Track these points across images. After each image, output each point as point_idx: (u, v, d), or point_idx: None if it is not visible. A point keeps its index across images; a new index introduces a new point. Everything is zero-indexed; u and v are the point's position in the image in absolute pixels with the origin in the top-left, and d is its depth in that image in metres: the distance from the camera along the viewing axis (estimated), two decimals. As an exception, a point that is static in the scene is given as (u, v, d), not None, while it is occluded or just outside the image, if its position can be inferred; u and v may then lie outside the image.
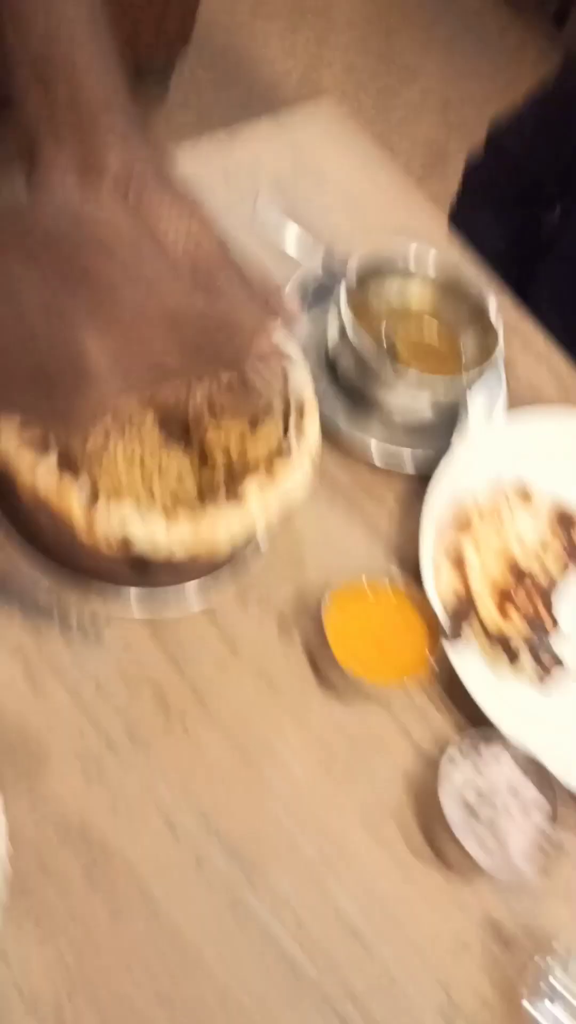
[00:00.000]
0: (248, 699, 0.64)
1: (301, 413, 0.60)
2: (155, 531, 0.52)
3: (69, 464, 0.53)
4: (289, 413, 0.60)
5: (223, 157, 0.90)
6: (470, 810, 0.62)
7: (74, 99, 0.57)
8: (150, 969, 0.55)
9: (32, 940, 0.54)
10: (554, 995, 0.59)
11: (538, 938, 0.62)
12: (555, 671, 0.71)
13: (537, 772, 0.63)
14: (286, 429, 0.59)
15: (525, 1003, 0.59)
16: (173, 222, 0.58)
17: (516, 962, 0.60)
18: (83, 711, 0.61)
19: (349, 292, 0.74)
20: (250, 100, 2.25)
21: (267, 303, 0.53)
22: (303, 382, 0.62)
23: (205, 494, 0.56)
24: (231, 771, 0.62)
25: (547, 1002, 0.59)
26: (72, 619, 0.62)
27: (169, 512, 0.53)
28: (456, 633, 0.68)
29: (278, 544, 0.69)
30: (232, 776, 0.62)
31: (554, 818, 0.62)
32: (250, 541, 0.63)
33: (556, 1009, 0.58)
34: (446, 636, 0.68)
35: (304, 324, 0.80)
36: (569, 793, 0.65)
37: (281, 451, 0.57)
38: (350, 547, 0.73)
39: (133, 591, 0.60)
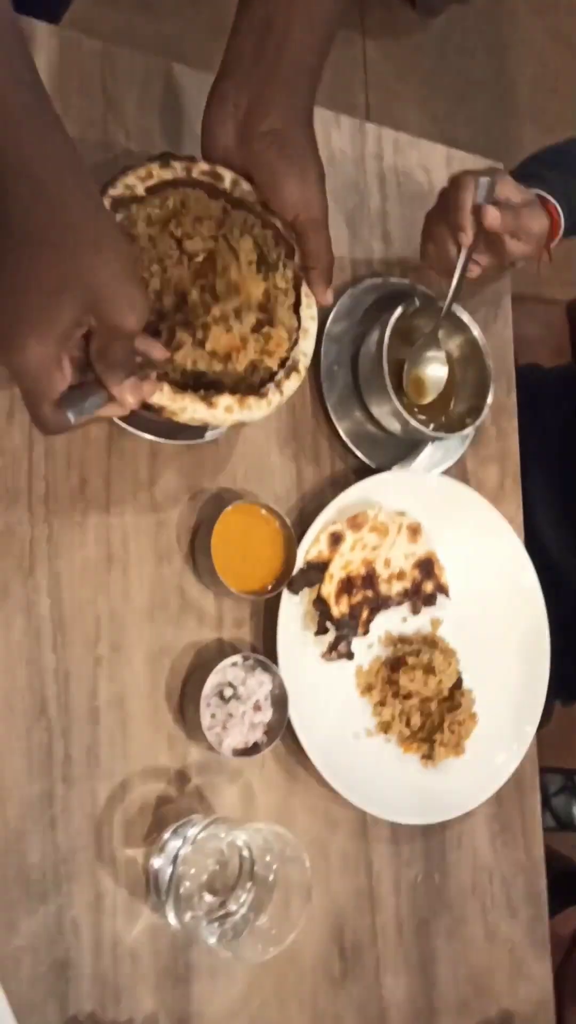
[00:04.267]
0: (136, 526, 0.82)
1: (289, 373, 0.76)
2: (196, 413, 0.71)
3: None
4: (283, 365, 0.77)
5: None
6: (221, 697, 0.81)
7: (277, 58, 0.74)
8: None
9: None
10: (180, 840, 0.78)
11: (204, 804, 0.82)
12: (340, 661, 0.90)
13: (279, 710, 0.83)
14: (274, 374, 0.76)
15: (167, 834, 0.79)
16: (293, 186, 0.76)
17: (182, 806, 0.81)
18: (26, 455, 0.78)
19: (397, 320, 0.90)
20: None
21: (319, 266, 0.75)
22: (306, 351, 0.78)
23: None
24: (94, 565, 0.80)
25: (175, 844, 0.78)
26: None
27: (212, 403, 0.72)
28: (295, 590, 0.87)
29: (232, 446, 0.87)
30: (92, 568, 0.80)
31: (268, 742, 0.82)
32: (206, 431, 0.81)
33: (171, 848, 0.77)
34: (289, 586, 0.86)
35: (346, 312, 0.97)
36: (294, 736, 0.84)
37: (257, 388, 0.74)
38: (276, 481, 0.90)
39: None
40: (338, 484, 0.93)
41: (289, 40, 0.72)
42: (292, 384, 0.76)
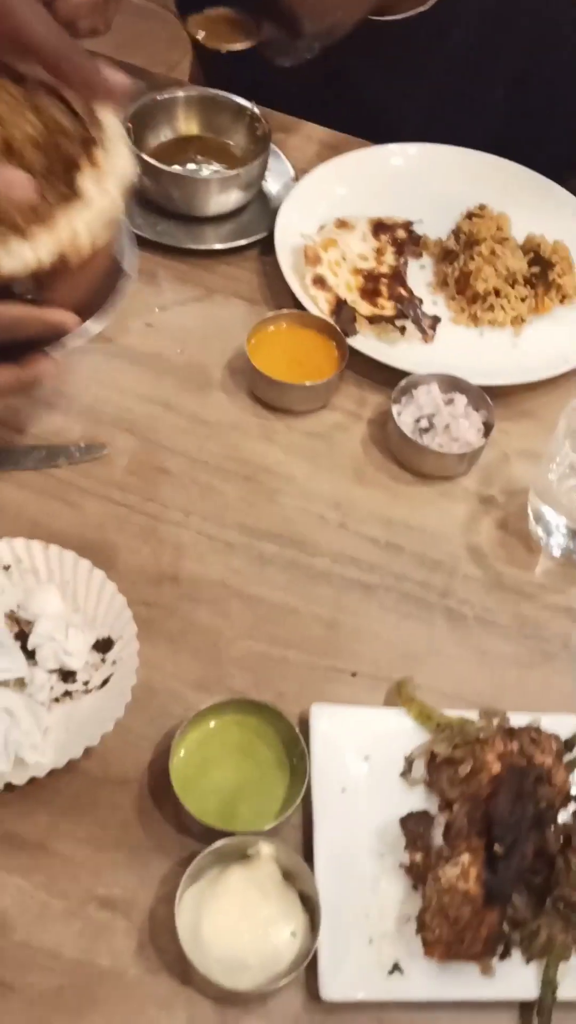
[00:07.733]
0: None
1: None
2: (22, 253, 0.55)
3: None
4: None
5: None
6: (426, 431, 0.77)
7: None
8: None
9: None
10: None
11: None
12: (436, 329, 0.87)
13: (455, 384, 0.79)
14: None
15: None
16: None
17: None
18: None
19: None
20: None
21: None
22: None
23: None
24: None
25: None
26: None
27: (25, 233, 0.55)
28: (351, 330, 0.83)
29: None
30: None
31: (487, 404, 0.78)
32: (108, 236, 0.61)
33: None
34: (345, 334, 0.82)
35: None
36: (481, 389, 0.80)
37: (90, 141, 0.58)
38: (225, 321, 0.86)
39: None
40: (266, 278, 0.89)
41: None
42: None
